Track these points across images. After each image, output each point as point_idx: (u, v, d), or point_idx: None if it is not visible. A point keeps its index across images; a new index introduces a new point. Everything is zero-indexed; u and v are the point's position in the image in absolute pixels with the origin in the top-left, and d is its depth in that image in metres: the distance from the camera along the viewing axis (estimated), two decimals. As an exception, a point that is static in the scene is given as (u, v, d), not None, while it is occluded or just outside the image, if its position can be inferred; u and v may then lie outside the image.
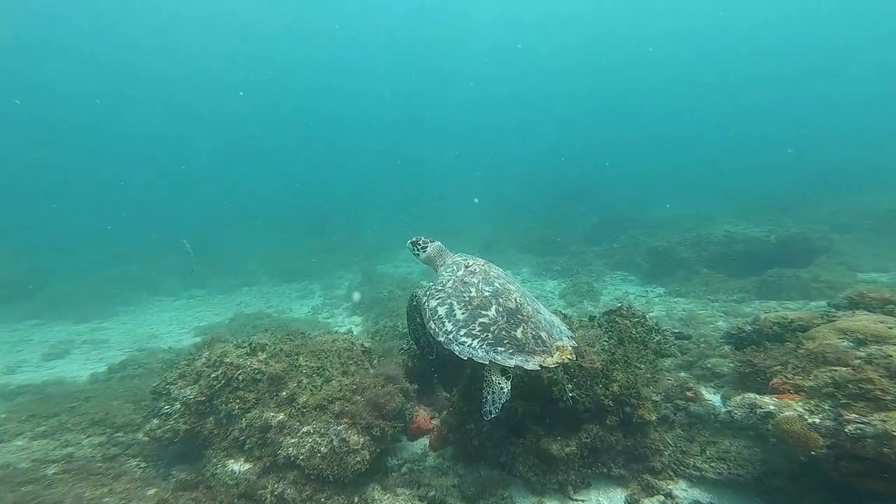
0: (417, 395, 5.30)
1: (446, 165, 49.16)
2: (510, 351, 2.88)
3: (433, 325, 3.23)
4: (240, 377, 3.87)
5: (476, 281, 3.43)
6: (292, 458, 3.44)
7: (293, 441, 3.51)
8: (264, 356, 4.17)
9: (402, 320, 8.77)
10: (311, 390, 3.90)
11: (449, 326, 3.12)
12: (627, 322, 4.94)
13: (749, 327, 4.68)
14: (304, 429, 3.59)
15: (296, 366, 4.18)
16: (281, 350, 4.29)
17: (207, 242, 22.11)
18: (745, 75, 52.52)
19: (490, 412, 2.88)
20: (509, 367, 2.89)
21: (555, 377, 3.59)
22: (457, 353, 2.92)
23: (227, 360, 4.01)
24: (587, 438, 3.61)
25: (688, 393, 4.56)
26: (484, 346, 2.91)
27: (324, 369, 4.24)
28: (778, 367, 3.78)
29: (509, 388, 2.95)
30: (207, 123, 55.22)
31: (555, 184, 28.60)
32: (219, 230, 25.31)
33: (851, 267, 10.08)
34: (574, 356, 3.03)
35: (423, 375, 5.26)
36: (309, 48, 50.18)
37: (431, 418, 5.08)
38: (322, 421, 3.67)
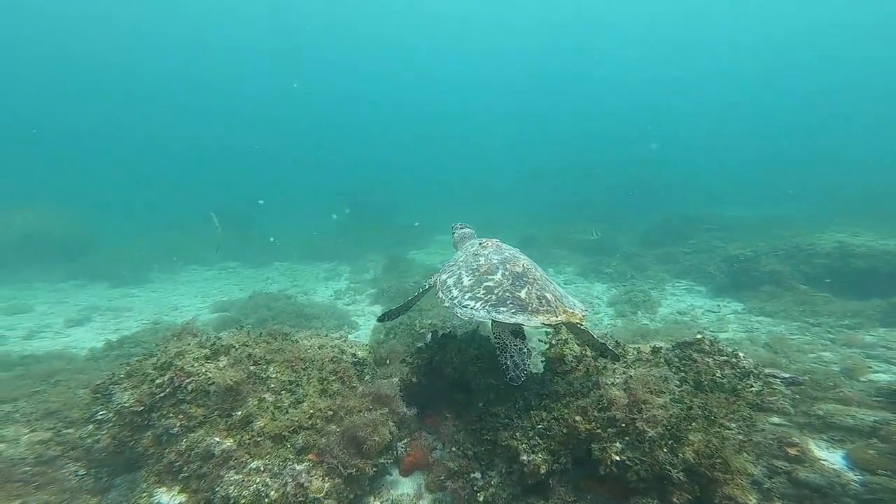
0: (419, 418, 4.31)
1: (491, 157, 47.27)
2: (512, 310, 2.76)
3: (441, 295, 3.16)
4: (189, 387, 2.99)
5: (487, 253, 3.38)
6: (231, 501, 2.52)
7: (236, 478, 2.59)
8: (225, 362, 3.26)
9: (421, 317, 7.80)
10: (274, 413, 2.96)
11: (455, 293, 3.06)
12: (710, 360, 3.54)
13: None
14: (254, 464, 2.66)
15: (262, 378, 3.24)
16: (248, 356, 3.37)
17: (251, 217, 22.48)
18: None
19: (516, 377, 2.94)
20: (514, 326, 2.87)
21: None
22: (459, 316, 2.89)
23: (179, 363, 3.14)
24: (637, 518, 2.44)
25: (790, 449, 3.21)
26: (487, 306, 2.81)
27: (297, 385, 3.28)
28: None
29: (528, 347, 2.96)
30: (265, 111, 57.25)
31: (611, 178, 26.06)
32: (264, 207, 25.74)
33: None
34: (583, 322, 2.93)
35: (428, 395, 4.24)
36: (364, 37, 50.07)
37: (433, 450, 4.03)
38: (278, 456, 2.74)
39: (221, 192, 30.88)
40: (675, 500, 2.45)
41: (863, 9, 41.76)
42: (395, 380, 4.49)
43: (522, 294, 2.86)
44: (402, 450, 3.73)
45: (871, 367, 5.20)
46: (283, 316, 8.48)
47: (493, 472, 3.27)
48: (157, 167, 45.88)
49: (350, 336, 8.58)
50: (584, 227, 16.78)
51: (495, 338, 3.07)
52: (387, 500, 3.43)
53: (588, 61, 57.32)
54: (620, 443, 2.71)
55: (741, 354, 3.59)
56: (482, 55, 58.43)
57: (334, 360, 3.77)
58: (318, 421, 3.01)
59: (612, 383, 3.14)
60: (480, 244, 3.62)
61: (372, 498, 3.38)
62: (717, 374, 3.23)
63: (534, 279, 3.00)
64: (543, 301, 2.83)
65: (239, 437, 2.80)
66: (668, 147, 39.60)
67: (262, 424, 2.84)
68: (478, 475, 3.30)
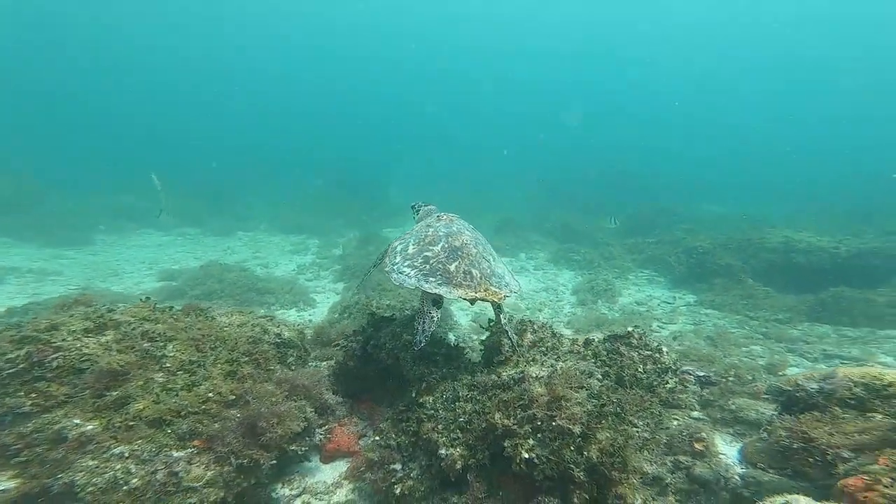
0: (352, 403, 4.12)
1: (478, 141, 46.49)
2: (439, 281, 2.94)
3: (387, 259, 3.29)
4: (54, 363, 2.64)
5: (438, 225, 3.46)
6: (76, 489, 2.22)
7: (90, 464, 2.30)
8: (111, 337, 2.92)
9: (379, 297, 7.55)
10: (159, 395, 2.66)
11: (397, 259, 3.20)
12: (635, 355, 3.46)
13: (814, 386, 3.13)
14: (118, 449, 2.39)
15: (156, 356, 2.92)
16: (144, 332, 3.03)
17: (222, 184, 21.40)
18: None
19: (417, 342, 3.02)
20: (435, 295, 2.98)
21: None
22: (393, 282, 3.04)
23: (47, 336, 2.77)
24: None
25: (696, 444, 3.32)
26: (419, 275, 2.99)
27: (199, 366, 2.98)
28: (851, 456, 2.31)
29: (438, 316, 3.08)
30: (243, 77, 54.03)
31: (593, 167, 25.95)
32: (240, 175, 24.51)
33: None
34: (501, 301, 3.07)
35: (364, 379, 4.05)
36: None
37: (361, 437, 3.86)
38: (153, 441, 2.47)
39: (196, 155, 29.24)
40: (575, 500, 2.36)
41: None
42: (329, 363, 4.27)
43: (452, 267, 3.01)
44: (321, 437, 3.52)
45: (790, 363, 5.37)
46: (232, 289, 8.06)
47: (414, 464, 3.13)
48: (133, 125, 42.96)
49: (305, 314, 8.30)
50: (564, 214, 16.76)
51: (420, 303, 3.18)
52: (298, 488, 3.25)
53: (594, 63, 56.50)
54: (533, 439, 2.60)
55: (664, 350, 3.53)
56: (478, 49, 56.82)
57: (252, 340, 3.49)
58: (215, 406, 2.74)
59: (537, 377, 2.99)
60: (437, 217, 3.73)
61: (281, 485, 3.20)
62: (640, 370, 3.17)
63: (468, 255, 3.10)
64: (468, 276, 2.98)
65: (108, 419, 2.50)
66: (660, 140, 39.82)
67: (142, 407, 2.55)
68: (398, 466, 3.16)
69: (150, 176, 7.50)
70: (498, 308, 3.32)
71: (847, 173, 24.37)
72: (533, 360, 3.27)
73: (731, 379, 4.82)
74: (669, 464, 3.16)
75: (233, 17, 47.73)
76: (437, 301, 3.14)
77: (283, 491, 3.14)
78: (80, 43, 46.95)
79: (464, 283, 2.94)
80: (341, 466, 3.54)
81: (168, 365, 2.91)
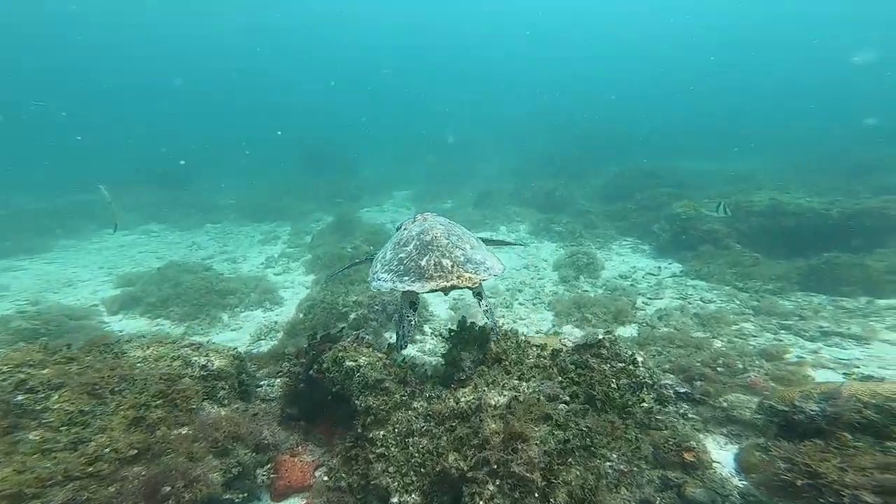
0: (306, 429, 3.75)
1: (459, 108, 44.62)
2: (412, 279, 2.95)
3: (370, 270, 3.32)
4: None
5: (412, 226, 3.46)
6: None
7: None
8: (-22, 400, 2.41)
9: (346, 294, 7.07)
10: (27, 461, 2.20)
11: (377, 267, 3.22)
12: (607, 368, 3.06)
13: (814, 407, 2.76)
14: None
15: (32, 411, 2.44)
16: (17, 383, 2.53)
17: (185, 176, 20.21)
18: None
19: (400, 346, 3.19)
20: (407, 292, 3.04)
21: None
22: (373, 290, 3.38)
23: None
24: None
25: (686, 455, 3.02)
26: (393, 278, 3.01)
27: (94, 416, 2.51)
28: (876, 502, 1.98)
29: (415, 317, 3.16)
30: (198, 56, 50.19)
31: (574, 129, 25.07)
32: (200, 163, 23.13)
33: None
34: (475, 286, 3.05)
35: (316, 402, 3.65)
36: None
37: (318, 467, 3.50)
38: None
39: (155, 147, 27.55)
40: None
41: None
42: (285, 380, 3.84)
43: (423, 262, 3.01)
44: (263, 477, 3.12)
45: (789, 351, 5.01)
46: (190, 293, 7.49)
47: (367, 510, 2.77)
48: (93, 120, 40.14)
49: (272, 314, 7.81)
50: (545, 182, 16.15)
51: (399, 306, 3.24)
52: (237, 539, 2.86)
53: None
54: (493, 485, 2.22)
55: (639, 360, 3.15)
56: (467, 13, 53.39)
57: (167, 377, 2.99)
58: (108, 465, 2.29)
59: (495, 406, 2.59)
60: (412, 220, 3.73)
61: (220, 539, 2.79)
62: (612, 385, 2.77)
63: (438, 246, 3.07)
64: (439, 267, 2.96)
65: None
66: (636, 97, 38.57)
67: (3, 475, 2.08)
68: (351, 512, 2.81)
69: (98, 187, 6.69)
70: (478, 295, 3.26)
71: (841, 128, 23.79)
72: (493, 382, 2.86)
73: (719, 369, 4.43)
74: (657, 481, 2.84)
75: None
76: (414, 303, 3.19)
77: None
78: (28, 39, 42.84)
79: (435, 274, 2.92)
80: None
81: (50, 420, 2.44)
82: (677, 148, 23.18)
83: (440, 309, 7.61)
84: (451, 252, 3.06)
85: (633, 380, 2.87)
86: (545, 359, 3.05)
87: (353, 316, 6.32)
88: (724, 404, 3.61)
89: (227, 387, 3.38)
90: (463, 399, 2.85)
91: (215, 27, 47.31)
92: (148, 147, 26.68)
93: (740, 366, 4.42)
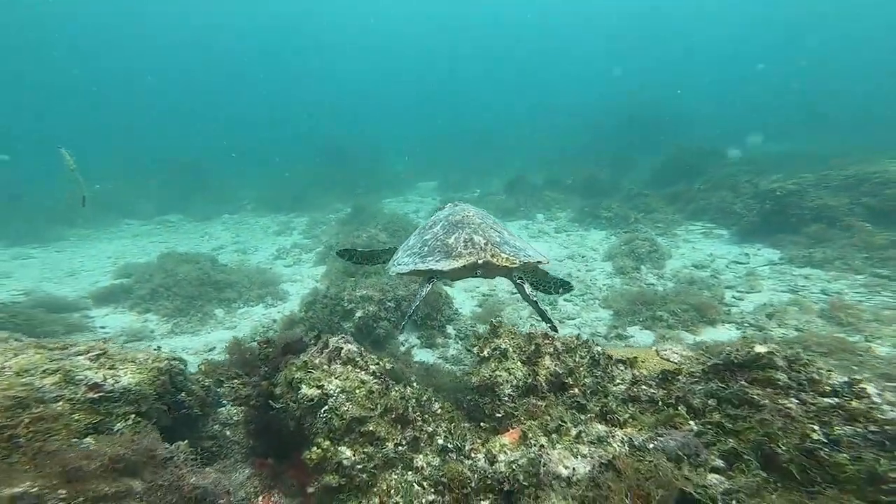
0: (274, 470, 2.55)
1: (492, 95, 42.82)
2: (436, 258, 2.52)
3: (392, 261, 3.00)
4: None
5: (441, 212, 3.20)
6: None
7: None
8: None
9: (354, 287, 5.87)
10: None
11: (400, 254, 2.92)
12: (794, 406, 1.54)
13: None
14: None
15: None
16: None
17: (207, 169, 20.04)
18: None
19: (403, 326, 3.19)
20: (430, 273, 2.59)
21: None
22: (392, 276, 3.00)
23: None
24: None
25: None
26: (415, 259, 2.62)
27: None
28: None
29: (424, 292, 2.58)
30: (222, 57, 51.30)
31: (616, 114, 22.85)
32: (224, 157, 23.05)
33: None
34: (511, 265, 2.43)
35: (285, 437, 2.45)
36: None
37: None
38: None
39: (178, 141, 27.91)
40: None
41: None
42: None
43: (451, 240, 2.59)
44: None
45: None
46: (183, 285, 6.57)
47: None
48: (112, 109, 41.83)
49: (273, 311, 6.75)
50: (587, 168, 14.45)
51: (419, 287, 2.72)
52: None
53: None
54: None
55: (869, 390, 1.58)
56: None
57: (20, 402, 1.83)
58: None
59: (568, 479, 1.20)
60: (441, 207, 3.49)
61: None
62: (814, 437, 1.27)
63: (469, 224, 2.67)
64: (469, 244, 2.51)
65: None
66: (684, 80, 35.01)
67: None
68: None
69: (59, 150, 5.84)
70: (520, 283, 2.68)
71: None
72: (556, 428, 1.47)
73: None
74: None
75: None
76: (432, 279, 2.70)
77: None
78: (41, 24, 44.98)
79: (465, 251, 2.49)
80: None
81: None
82: (736, 132, 20.42)
83: (466, 307, 6.27)
84: (486, 231, 2.62)
85: (877, 427, 1.39)
86: (650, 386, 1.62)
87: (359, 314, 5.07)
88: None
89: (135, 413, 2.19)
90: (502, 458, 1.49)
91: (242, 19, 48.00)
92: (174, 139, 26.96)
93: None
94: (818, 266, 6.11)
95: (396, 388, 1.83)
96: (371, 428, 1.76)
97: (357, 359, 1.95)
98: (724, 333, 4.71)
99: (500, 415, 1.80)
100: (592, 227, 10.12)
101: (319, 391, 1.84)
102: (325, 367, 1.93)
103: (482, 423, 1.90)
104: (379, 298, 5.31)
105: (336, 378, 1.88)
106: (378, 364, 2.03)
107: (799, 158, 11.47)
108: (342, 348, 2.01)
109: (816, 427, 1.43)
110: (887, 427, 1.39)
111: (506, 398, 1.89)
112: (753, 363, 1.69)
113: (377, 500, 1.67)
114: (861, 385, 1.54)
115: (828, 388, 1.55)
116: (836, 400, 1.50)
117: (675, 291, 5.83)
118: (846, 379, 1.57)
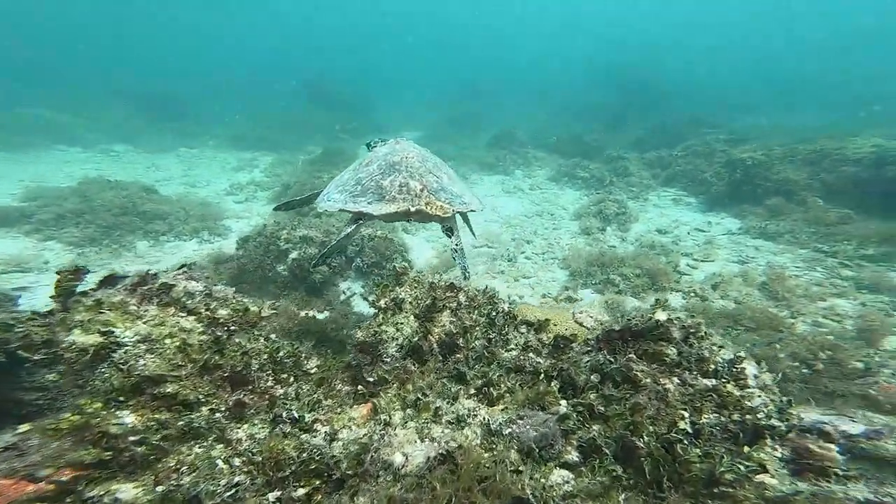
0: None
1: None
2: (368, 199, 2.44)
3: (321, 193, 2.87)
4: None
5: (381, 148, 2.97)
6: None
7: None
8: None
9: (291, 229, 5.38)
10: None
11: (331, 188, 2.74)
12: (672, 387, 1.34)
13: None
14: None
15: None
16: None
17: (175, 98, 18.15)
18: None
19: (316, 263, 2.85)
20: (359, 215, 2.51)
21: None
22: (319, 210, 2.73)
23: None
24: None
25: None
26: (346, 198, 2.52)
27: None
28: None
29: (348, 231, 2.56)
30: None
31: (612, 78, 21.71)
32: (203, 90, 20.95)
33: None
34: (444, 214, 2.39)
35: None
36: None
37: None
38: None
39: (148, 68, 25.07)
40: None
41: None
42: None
43: (386, 182, 2.48)
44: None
45: None
46: (100, 212, 5.88)
47: None
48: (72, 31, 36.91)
49: (208, 246, 6.13)
50: (576, 127, 13.77)
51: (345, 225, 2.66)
52: None
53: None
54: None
55: (751, 371, 1.38)
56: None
57: None
58: None
59: (399, 469, 0.91)
60: (383, 142, 3.19)
61: None
62: (683, 426, 1.14)
63: (408, 167, 2.55)
64: (404, 189, 2.42)
65: None
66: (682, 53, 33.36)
67: None
68: None
69: None
70: (448, 230, 2.61)
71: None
72: (417, 402, 1.17)
73: (820, 365, 2.98)
74: None
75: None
76: (359, 221, 2.56)
77: None
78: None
79: (398, 196, 2.36)
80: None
81: None
82: (727, 105, 19.83)
83: (422, 257, 5.94)
84: (423, 176, 2.54)
85: (745, 415, 1.17)
86: (540, 354, 1.34)
87: (293, 255, 4.67)
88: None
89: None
90: (343, 436, 1.19)
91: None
92: (152, 73, 24.15)
93: (858, 362, 2.98)
94: (770, 238, 6.06)
95: (237, 341, 1.47)
96: (172, 389, 1.40)
97: (188, 301, 1.55)
98: (670, 302, 4.60)
99: (372, 379, 1.49)
100: (567, 187, 9.78)
101: (103, 339, 1.43)
102: (134, 307, 1.51)
103: (359, 388, 1.60)
104: (321, 240, 4.91)
105: (143, 323, 1.48)
106: (241, 309, 1.65)
107: (787, 132, 11.23)
108: (174, 286, 1.59)
109: (686, 414, 1.20)
110: (747, 417, 1.18)
111: (388, 359, 1.59)
112: (650, 332, 1.42)
113: (152, 478, 1.31)
114: (742, 365, 1.32)
115: (711, 368, 1.30)
116: (714, 382, 1.27)
117: (633, 255, 5.65)
118: (731, 356, 1.33)
